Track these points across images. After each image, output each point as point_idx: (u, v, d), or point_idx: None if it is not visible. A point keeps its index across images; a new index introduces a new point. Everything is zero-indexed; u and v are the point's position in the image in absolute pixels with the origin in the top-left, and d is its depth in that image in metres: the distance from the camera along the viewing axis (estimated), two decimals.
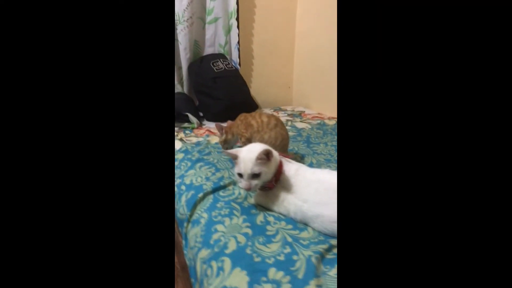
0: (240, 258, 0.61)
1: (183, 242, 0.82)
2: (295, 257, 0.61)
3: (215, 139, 1.48)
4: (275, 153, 0.80)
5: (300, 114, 2.09)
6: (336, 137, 1.53)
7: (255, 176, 0.76)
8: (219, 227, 0.72)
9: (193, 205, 0.87)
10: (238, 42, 2.12)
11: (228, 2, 2.06)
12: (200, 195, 0.89)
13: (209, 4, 2.01)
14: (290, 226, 0.72)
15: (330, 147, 1.38)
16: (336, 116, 2.00)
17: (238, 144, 1.40)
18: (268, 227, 0.71)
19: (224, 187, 0.94)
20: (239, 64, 2.18)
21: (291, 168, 0.81)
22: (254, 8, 2.20)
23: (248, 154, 0.77)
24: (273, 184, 0.80)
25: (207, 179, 0.99)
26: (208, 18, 2.04)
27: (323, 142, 1.45)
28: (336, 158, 1.23)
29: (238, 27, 2.09)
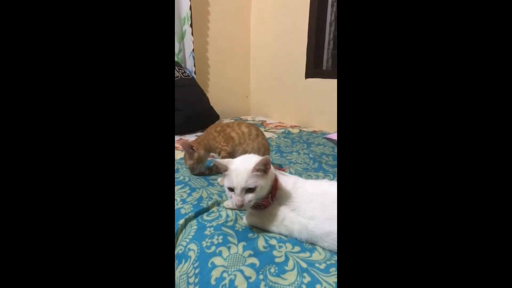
0: None
1: None
2: None
3: (179, 154, 1.32)
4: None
5: (262, 124, 2.04)
6: (305, 145, 1.52)
7: (249, 190, 0.65)
8: (217, 260, 0.59)
9: (174, 235, 0.71)
10: (193, 50, 1.99)
11: (180, 8, 1.92)
12: (181, 221, 0.74)
13: None
14: (297, 248, 0.63)
15: (303, 155, 1.34)
16: (297, 125, 2.01)
17: (213, 158, 1.26)
18: (275, 253, 0.61)
19: (207, 210, 0.80)
20: (195, 73, 2.05)
21: (288, 182, 0.73)
22: (207, 16, 2.11)
23: (243, 164, 0.67)
24: (269, 201, 0.70)
25: (184, 201, 0.85)
26: None
27: (295, 151, 1.41)
28: (312, 166, 1.20)
29: (192, 34, 1.97)
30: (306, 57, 1.96)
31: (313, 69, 1.96)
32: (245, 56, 2.40)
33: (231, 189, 0.67)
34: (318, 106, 1.95)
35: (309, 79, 1.99)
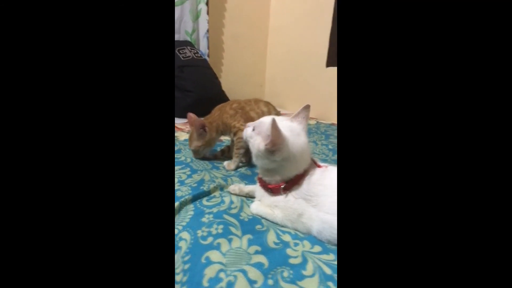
0: None
1: None
2: None
3: (183, 136, 1.19)
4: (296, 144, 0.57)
5: (277, 114, 1.90)
6: (323, 136, 1.37)
7: None
8: (214, 255, 0.46)
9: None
10: (207, 31, 1.87)
11: None
12: (175, 204, 0.61)
13: None
14: (318, 248, 0.48)
15: (321, 146, 1.20)
16: (314, 117, 1.86)
17: (225, 142, 1.12)
18: (289, 251, 0.47)
19: (207, 194, 0.67)
20: (208, 56, 1.92)
21: (316, 172, 0.58)
22: None
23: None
24: (279, 189, 0.56)
25: (182, 182, 0.71)
26: None
27: (312, 141, 1.26)
28: (332, 158, 1.05)
29: (207, 13, 1.84)
30: (329, 43, 1.80)
31: (336, 57, 1.80)
32: (263, 42, 2.26)
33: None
34: (335, 96, 1.79)
35: (331, 68, 1.83)
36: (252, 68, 2.27)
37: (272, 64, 2.29)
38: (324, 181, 0.55)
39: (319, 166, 0.60)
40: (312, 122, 1.68)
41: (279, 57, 2.22)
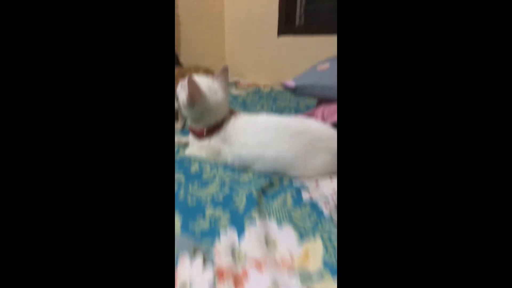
0: None
1: None
2: (235, 197, 0.55)
3: None
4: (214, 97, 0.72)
5: (235, 83, 2.02)
6: (271, 100, 1.52)
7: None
8: None
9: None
10: None
11: None
12: None
13: None
14: (229, 172, 0.66)
15: (266, 108, 1.36)
16: (270, 84, 2.00)
17: None
18: (204, 175, 0.64)
19: None
20: None
21: (231, 119, 0.74)
22: None
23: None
24: (203, 132, 0.72)
25: None
26: None
27: (259, 105, 1.42)
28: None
29: None
30: (278, 13, 1.91)
31: (285, 26, 1.92)
32: (219, 15, 2.32)
33: None
34: (290, 63, 1.94)
35: (282, 37, 1.95)
36: (211, 41, 2.34)
37: (230, 36, 2.37)
38: (236, 126, 0.71)
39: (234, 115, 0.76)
40: (267, 89, 1.83)
41: (236, 29, 2.30)
